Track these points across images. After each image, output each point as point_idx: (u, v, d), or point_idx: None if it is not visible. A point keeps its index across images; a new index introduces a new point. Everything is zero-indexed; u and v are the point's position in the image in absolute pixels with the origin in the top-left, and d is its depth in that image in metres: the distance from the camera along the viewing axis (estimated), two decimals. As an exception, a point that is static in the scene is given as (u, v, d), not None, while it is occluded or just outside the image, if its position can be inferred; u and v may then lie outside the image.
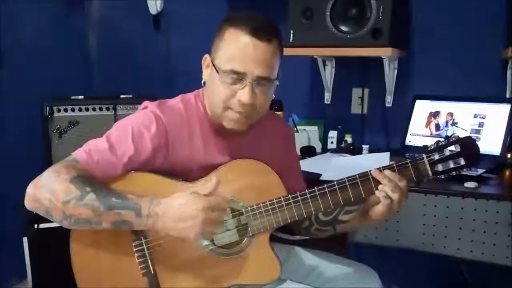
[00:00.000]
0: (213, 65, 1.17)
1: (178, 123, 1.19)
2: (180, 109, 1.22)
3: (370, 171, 1.16)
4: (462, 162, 1.14)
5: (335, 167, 1.76)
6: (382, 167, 1.16)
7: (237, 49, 1.13)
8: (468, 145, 1.14)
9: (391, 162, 1.17)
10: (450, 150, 1.14)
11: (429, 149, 1.16)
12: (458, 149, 1.14)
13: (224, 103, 1.16)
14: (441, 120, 1.95)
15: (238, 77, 1.13)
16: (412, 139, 2.00)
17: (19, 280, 2.35)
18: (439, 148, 1.15)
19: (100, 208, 1.07)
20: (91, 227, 1.10)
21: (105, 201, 1.07)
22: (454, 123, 1.92)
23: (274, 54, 1.15)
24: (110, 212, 1.07)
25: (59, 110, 2.13)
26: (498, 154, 1.76)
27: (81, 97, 2.20)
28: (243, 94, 1.13)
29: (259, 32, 1.12)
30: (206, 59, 1.21)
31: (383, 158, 1.74)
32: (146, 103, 1.23)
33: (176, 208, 1.07)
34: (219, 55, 1.16)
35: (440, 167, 1.15)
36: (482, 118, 1.85)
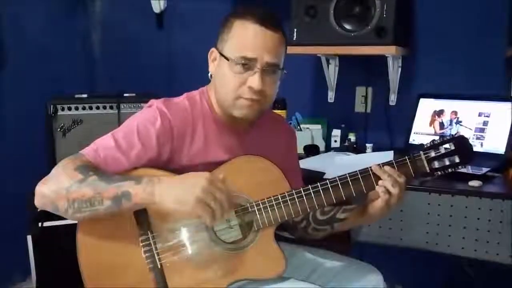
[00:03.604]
0: (222, 56, 1.19)
1: (183, 119, 1.21)
2: (185, 105, 1.23)
3: (370, 167, 1.19)
4: (457, 159, 1.19)
5: (338, 165, 1.76)
6: (382, 163, 1.20)
7: (247, 37, 1.16)
8: (462, 143, 1.19)
9: (391, 159, 1.21)
10: (445, 148, 1.19)
11: (425, 146, 1.21)
12: (453, 147, 1.19)
13: (234, 92, 1.18)
14: (445, 118, 1.95)
15: (249, 63, 1.16)
16: (416, 138, 2.00)
17: (23, 278, 2.36)
18: (434, 146, 1.20)
19: (101, 185, 1.08)
20: (93, 210, 1.09)
21: (106, 179, 1.09)
22: (458, 122, 1.91)
23: (281, 42, 1.20)
24: (110, 187, 1.08)
25: (63, 109, 2.13)
26: (503, 152, 1.75)
27: (84, 95, 2.20)
28: (253, 80, 1.16)
29: (267, 21, 1.16)
30: (213, 52, 1.24)
31: (387, 157, 1.72)
32: (152, 101, 1.25)
33: (178, 176, 1.11)
34: (228, 45, 1.19)
35: (436, 164, 1.19)
36: (487, 116, 1.85)
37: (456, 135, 1.21)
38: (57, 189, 1.09)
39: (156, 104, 1.22)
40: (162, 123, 1.18)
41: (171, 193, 1.08)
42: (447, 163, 1.19)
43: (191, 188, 1.06)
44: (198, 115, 1.23)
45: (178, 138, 1.20)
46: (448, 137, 1.20)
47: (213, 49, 1.24)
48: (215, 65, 1.23)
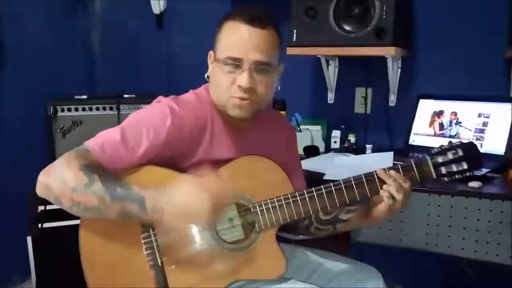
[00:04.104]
0: (215, 58, 1.20)
1: (193, 116, 1.21)
2: (194, 102, 1.23)
3: (375, 171, 1.18)
4: (465, 166, 1.17)
5: (338, 166, 1.76)
6: (387, 167, 1.18)
7: (233, 38, 1.17)
8: (470, 150, 1.18)
9: (396, 164, 1.20)
10: (453, 154, 1.17)
11: (433, 152, 1.19)
12: (461, 154, 1.17)
13: (226, 92, 1.18)
14: (445, 119, 1.95)
15: (236, 63, 1.16)
16: (415, 139, 2.00)
17: (23, 279, 2.36)
18: (442, 151, 1.18)
19: (106, 198, 1.07)
20: (100, 215, 1.10)
21: (111, 191, 1.07)
22: (458, 123, 1.91)
23: (270, 40, 1.18)
24: (116, 203, 1.07)
25: (62, 110, 2.13)
26: (502, 153, 1.75)
27: (84, 96, 2.20)
28: (241, 79, 1.16)
29: (254, 20, 1.15)
30: (211, 55, 1.24)
31: (387, 158, 1.73)
32: (160, 97, 1.24)
33: (181, 201, 1.06)
34: (219, 47, 1.20)
35: (443, 170, 1.18)
36: (486, 117, 1.85)
37: (465, 141, 1.19)
38: (62, 186, 1.08)
39: (166, 101, 1.21)
40: (172, 122, 1.17)
41: (180, 221, 1.09)
42: (455, 169, 1.17)
43: (199, 213, 1.06)
44: (206, 111, 1.23)
45: (188, 135, 1.19)
46: (456, 143, 1.18)
47: (210, 52, 1.24)
48: (212, 67, 1.24)
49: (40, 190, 1.12)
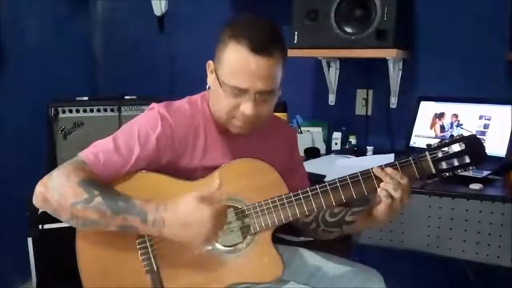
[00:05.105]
0: (217, 75, 1.17)
1: (185, 124, 1.21)
2: (186, 110, 1.23)
3: (371, 168, 1.15)
4: (467, 160, 1.12)
5: (339, 168, 1.76)
6: (384, 164, 1.15)
7: (238, 66, 1.12)
8: (473, 143, 1.13)
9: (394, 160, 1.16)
10: (454, 148, 1.13)
11: (432, 146, 1.15)
12: (463, 147, 1.13)
13: (228, 114, 1.17)
14: (446, 121, 1.95)
15: (241, 91, 1.14)
16: (416, 141, 2.00)
17: (23, 280, 2.35)
18: (442, 145, 1.14)
19: (107, 212, 1.09)
20: (98, 228, 1.11)
21: (112, 205, 1.09)
22: (459, 125, 1.91)
23: (276, 66, 1.14)
24: (117, 217, 1.09)
25: (64, 111, 2.14)
26: (504, 155, 1.75)
27: (85, 98, 2.21)
28: (246, 108, 1.14)
29: (260, 48, 1.10)
30: (210, 65, 1.21)
31: (388, 160, 1.71)
32: (153, 104, 1.24)
33: (183, 216, 1.09)
34: (222, 67, 1.15)
35: (444, 165, 1.13)
36: (487, 119, 1.85)
37: (467, 134, 1.14)
38: (61, 201, 1.09)
39: (158, 108, 1.21)
40: (163, 129, 1.17)
41: (179, 236, 1.10)
42: (456, 163, 1.12)
43: (197, 230, 1.08)
44: (199, 120, 1.23)
45: (179, 144, 1.19)
46: (458, 136, 1.14)
47: (210, 62, 1.21)
48: (212, 79, 1.20)
49: (37, 202, 1.12)
